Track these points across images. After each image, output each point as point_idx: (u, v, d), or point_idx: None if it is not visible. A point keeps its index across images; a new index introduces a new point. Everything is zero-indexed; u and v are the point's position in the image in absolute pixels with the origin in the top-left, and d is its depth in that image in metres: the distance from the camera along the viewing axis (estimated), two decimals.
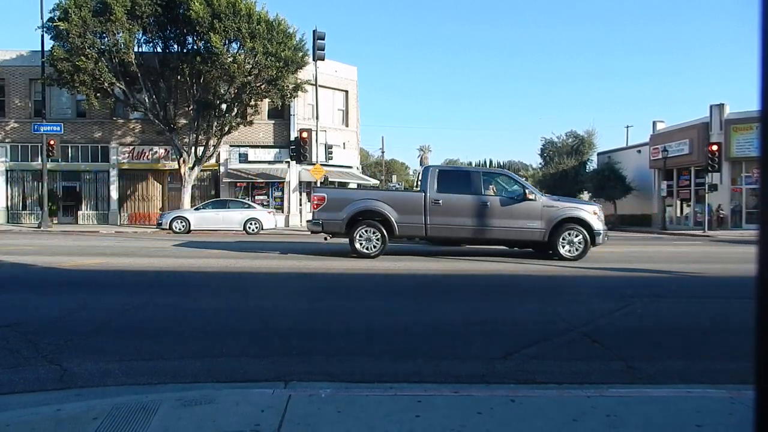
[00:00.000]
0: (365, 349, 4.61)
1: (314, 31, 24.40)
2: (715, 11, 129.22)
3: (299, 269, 10.07)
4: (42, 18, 23.77)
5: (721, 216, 29.26)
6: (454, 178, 12.11)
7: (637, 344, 4.83)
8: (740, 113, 28.84)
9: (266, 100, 27.22)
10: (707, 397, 3.31)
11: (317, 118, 26.22)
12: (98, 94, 24.91)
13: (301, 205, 29.86)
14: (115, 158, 29.35)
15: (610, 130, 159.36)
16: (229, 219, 22.68)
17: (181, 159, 26.07)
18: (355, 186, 33.58)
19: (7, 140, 29.19)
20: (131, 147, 29.38)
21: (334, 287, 8.35)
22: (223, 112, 25.97)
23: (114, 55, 23.92)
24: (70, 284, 7.95)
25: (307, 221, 12.69)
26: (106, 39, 23.81)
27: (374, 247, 11.61)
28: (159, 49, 25.60)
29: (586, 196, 38.64)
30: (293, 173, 29.18)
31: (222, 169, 29.25)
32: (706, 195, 27.68)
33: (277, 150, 29.31)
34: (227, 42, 23.61)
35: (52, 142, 24.99)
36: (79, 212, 29.82)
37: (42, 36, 24.04)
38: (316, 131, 25.37)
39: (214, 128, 26.11)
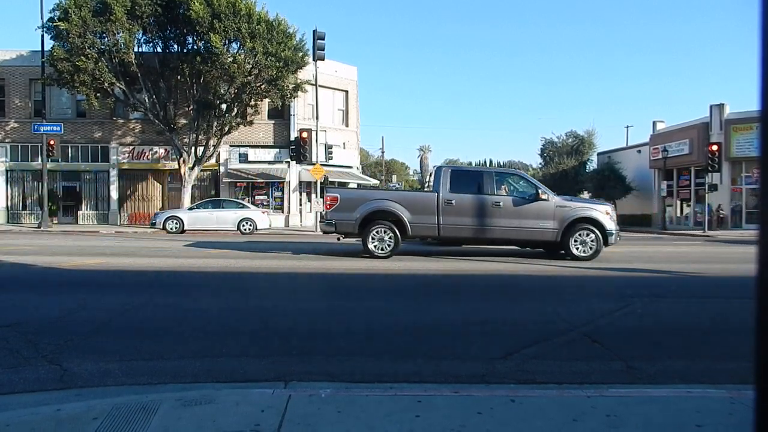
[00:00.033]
0: (365, 349, 4.61)
1: (314, 31, 24.39)
2: (715, 11, 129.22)
3: (299, 269, 10.07)
4: (42, 18, 23.79)
5: (721, 216, 29.25)
6: (467, 178, 12.12)
7: (637, 344, 4.83)
8: (740, 113, 28.83)
9: (266, 100, 27.20)
10: (707, 397, 3.31)
11: (317, 118, 26.21)
12: (98, 94, 24.90)
13: (300, 205, 29.85)
14: (115, 158, 29.34)
15: (610, 130, 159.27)
16: (223, 219, 22.62)
17: (181, 159, 26.07)
18: (355, 186, 33.66)
19: (7, 140, 29.18)
20: (131, 147, 29.37)
21: (335, 287, 8.35)
22: (223, 112, 25.96)
23: (114, 55, 23.91)
24: (70, 284, 7.95)
25: (320, 221, 12.70)
26: (106, 39, 23.79)
27: (387, 247, 11.63)
28: (159, 49, 25.59)
29: (586, 196, 38.64)
30: (293, 173, 29.18)
31: (222, 169, 29.24)
32: (706, 195, 27.68)
33: (277, 150, 29.30)
34: (227, 42, 23.61)
35: (52, 142, 24.99)
36: (79, 212, 29.82)
37: (42, 36, 24.05)
38: (316, 131, 25.36)
39: (214, 128, 26.11)
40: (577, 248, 11.58)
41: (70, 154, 29.20)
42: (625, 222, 35.35)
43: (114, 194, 29.53)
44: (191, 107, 26.23)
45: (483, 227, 11.67)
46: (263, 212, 23.64)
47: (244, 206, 23.79)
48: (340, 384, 3.59)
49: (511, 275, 9.58)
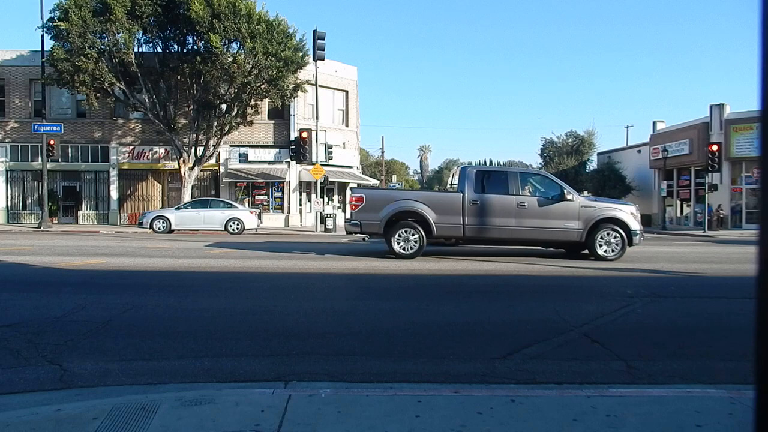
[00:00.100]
0: (365, 348, 4.61)
1: (314, 31, 24.39)
2: (715, 11, 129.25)
3: (299, 269, 10.07)
4: (42, 18, 23.79)
5: (721, 216, 29.26)
6: (492, 178, 12.07)
7: (637, 344, 4.83)
8: (740, 113, 28.85)
9: (266, 100, 27.21)
10: (707, 397, 3.31)
11: (317, 118, 26.21)
12: (98, 94, 24.91)
13: (300, 205, 29.86)
14: (115, 158, 29.34)
15: (610, 130, 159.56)
16: (210, 218, 22.48)
17: (181, 159, 26.07)
18: (355, 186, 33.67)
19: (7, 140, 29.19)
20: (131, 147, 29.37)
21: (335, 287, 8.35)
22: (223, 112, 25.97)
23: (114, 55, 23.92)
24: (70, 284, 7.95)
25: (345, 221, 12.68)
26: (106, 39, 23.80)
27: (412, 247, 11.62)
28: (159, 49, 25.59)
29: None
30: (293, 173, 29.18)
31: (222, 169, 29.25)
32: (706, 195, 27.68)
33: (277, 150, 29.31)
34: (227, 42, 23.61)
35: (52, 142, 24.99)
36: (79, 212, 29.82)
37: (42, 36, 24.05)
38: (316, 131, 25.36)
39: (214, 128, 26.11)
40: (602, 248, 11.59)
41: (70, 154, 29.21)
42: None
43: (114, 194, 29.54)
44: (191, 107, 26.24)
45: (508, 227, 11.64)
46: (251, 212, 23.44)
47: (231, 206, 23.57)
48: (340, 384, 3.59)
49: (511, 275, 9.57)
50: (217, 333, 5.04)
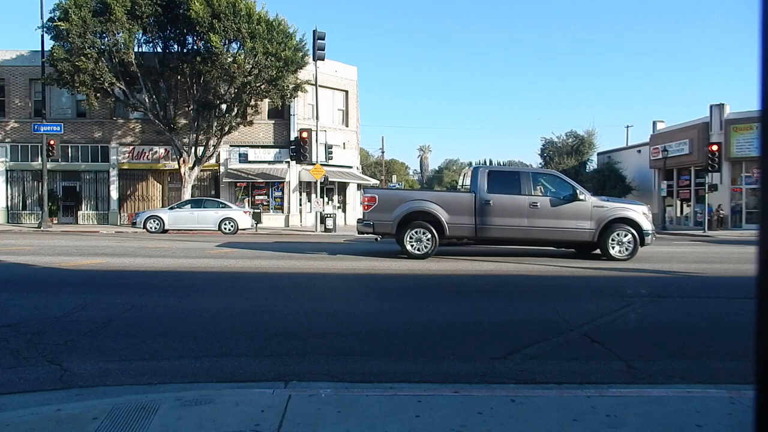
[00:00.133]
0: (365, 348, 4.61)
1: (314, 31, 24.39)
2: (715, 11, 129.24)
3: (299, 269, 10.07)
4: (42, 18, 23.78)
5: (721, 216, 29.26)
6: (504, 178, 12.07)
7: (637, 344, 4.83)
8: (740, 113, 28.85)
9: (266, 100, 27.21)
10: (707, 397, 3.31)
11: (317, 118, 26.21)
12: (98, 94, 24.90)
13: (300, 205, 29.85)
14: (115, 158, 29.34)
15: (610, 130, 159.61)
16: (204, 218, 22.42)
17: (181, 159, 26.07)
18: (355, 186, 33.66)
19: (7, 140, 29.19)
20: (131, 147, 29.37)
21: (335, 287, 8.35)
22: (223, 112, 25.97)
23: (114, 55, 23.92)
24: (70, 284, 7.95)
25: (357, 221, 12.67)
26: (106, 39, 23.79)
27: (425, 248, 11.62)
28: (159, 49, 25.58)
29: None
30: (293, 173, 29.18)
31: (222, 169, 29.25)
32: (706, 195, 27.68)
33: (277, 150, 29.31)
34: (227, 42, 23.61)
35: (52, 142, 24.98)
36: (79, 212, 29.82)
37: (42, 36, 24.04)
38: (316, 131, 25.36)
39: (214, 128, 26.11)
40: (614, 249, 11.60)
41: (70, 154, 29.21)
42: None
43: (114, 194, 29.54)
44: (191, 107, 26.24)
45: (520, 227, 11.64)
46: (245, 212, 23.36)
47: (225, 206, 23.48)
48: (340, 384, 3.59)
49: (511, 275, 9.57)
50: (217, 333, 5.04)
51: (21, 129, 28.89)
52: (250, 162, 29.18)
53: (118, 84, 24.43)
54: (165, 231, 21.92)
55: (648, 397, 3.28)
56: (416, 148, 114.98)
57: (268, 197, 29.77)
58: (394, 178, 67.30)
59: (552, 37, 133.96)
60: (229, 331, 5.10)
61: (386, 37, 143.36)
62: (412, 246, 11.63)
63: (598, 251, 12.06)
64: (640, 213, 11.87)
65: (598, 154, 43.78)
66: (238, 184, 29.52)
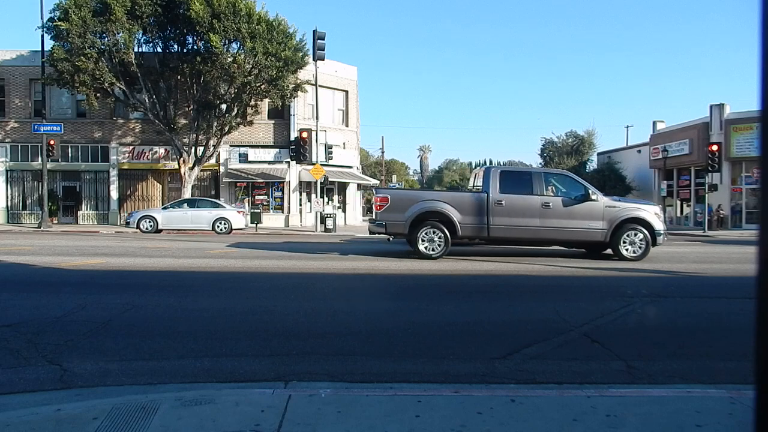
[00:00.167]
0: (365, 348, 4.61)
1: (314, 31, 24.39)
2: (715, 11, 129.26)
3: (299, 269, 10.07)
4: (42, 18, 23.77)
5: (721, 216, 29.26)
6: (517, 178, 12.09)
7: (637, 344, 4.83)
8: (740, 113, 28.85)
9: (266, 100, 27.20)
10: (707, 397, 3.31)
11: (317, 118, 26.21)
12: (98, 94, 24.89)
13: (300, 205, 29.85)
14: (115, 158, 29.34)
15: (610, 130, 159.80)
16: (198, 218, 22.34)
17: (181, 159, 26.07)
18: (355, 186, 33.66)
19: (7, 140, 29.19)
20: (131, 147, 29.37)
21: (335, 287, 8.35)
22: (223, 112, 25.97)
23: (114, 55, 23.91)
24: (70, 284, 7.95)
25: (369, 221, 12.66)
26: (106, 39, 23.78)
27: (437, 248, 11.61)
28: (159, 49, 25.58)
29: None
30: (293, 173, 29.18)
31: (222, 169, 29.25)
32: (706, 195, 27.69)
33: (277, 150, 29.31)
34: (227, 42, 23.61)
35: (52, 142, 24.98)
36: (79, 212, 29.82)
37: (42, 36, 24.03)
38: (316, 131, 25.36)
39: (214, 128, 26.11)
40: (626, 249, 11.61)
41: (70, 154, 29.21)
42: None
43: (114, 194, 29.54)
44: (191, 107, 26.23)
45: (532, 228, 11.64)
46: (239, 212, 23.25)
47: (219, 205, 23.40)
48: (340, 384, 3.59)
49: (511, 275, 9.57)
50: (217, 333, 5.04)
51: (21, 129, 28.89)
52: (250, 162, 29.17)
53: (118, 84, 24.43)
54: (158, 231, 21.89)
55: (648, 397, 3.28)
56: (416, 148, 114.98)
57: (268, 197, 29.77)
58: (394, 178, 67.27)
59: (552, 37, 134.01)
60: (229, 331, 5.10)
61: (386, 37, 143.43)
62: (423, 246, 11.62)
63: (608, 251, 12.04)
64: (652, 213, 11.90)
65: (598, 154, 43.81)
66: (238, 184, 29.52)
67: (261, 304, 6.55)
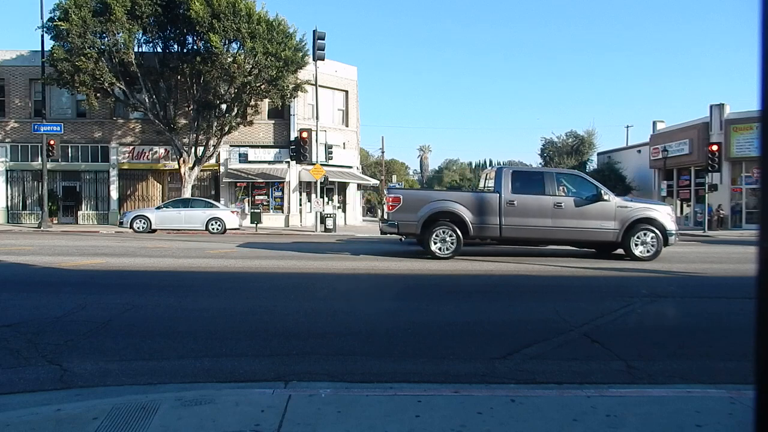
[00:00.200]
0: (365, 348, 4.61)
1: (314, 31, 24.38)
2: (715, 11, 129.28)
3: (299, 269, 10.06)
4: (42, 18, 23.77)
5: (721, 216, 29.26)
6: (528, 178, 12.09)
7: (637, 344, 4.83)
8: (740, 113, 28.85)
9: (266, 100, 27.20)
10: (707, 397, 3.31)
11: (317, 118, 26.21)
12: (98, 94, 24.89)
13: (300, 205, 29.85)
14: (115, 158, 29.34)
15: (610, 130, 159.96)
16: (191, 218, 22.30)
17: (181, 159, 26.06)
18: (355, 186, 33.66)
19: (7, 140, 29.18)
20: (131, 147, 29.37)
21: (335, 287, 8.35)
22: (223, 112, 25.96)
23: (114, 55, 23.91)
24: (70, 284, 7.95)
25: (381, 221, 12.62)
26: (106, 39, 23.78)
27: (449, 248, 11.59)
28: (159, 49, 25.57)
29: None
30: (293, 173, 29.18)
31: (222, 169, 29.24)
32: (706, 195, 27.68)
33: (277, 150, 29.30)
34: (227, 42, 23.60)
35: (52, 142, 24.97)
36: (79, 212, 29.82)
37: (42, 36, 24.03)
38: (316, 131, 25.35)
39: (214, 128, 26.10)
40: (638, 249, 11.61)
41: (70, 154, 29.20)
42: None
43: (114, 194, 29.53)
44: (191, 107, 26.23)
45: (545, 228, 11.63)
46: (233, 212, 23.20)
47: (212, 205, 23.37)
48: (340, 384, 3.59)
49: (511, 275, 9.57)
50: (217, 333, 5.03)
51: (21, 129, 28.89)
52: (250, 162, 29.17)
53: (118, 84, 24.42)
54: (152, 231, 21.88)
55: (648, 397, 3.28)
56: (416, 148, 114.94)
57: (268, 197, 29.77)
58: (394, 178, 67.26)
59: (552, 37, 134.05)
60: (229, 331, 5.10)
61: (386, 37, 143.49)
62: (436, 246, 11.60)
63: (618, 251, 12.03)
64: (665, 213, 11.92)
65: (598, 154, 43.81)
66: (238, 184, 29.51)
67: (261, 304, 6.55)
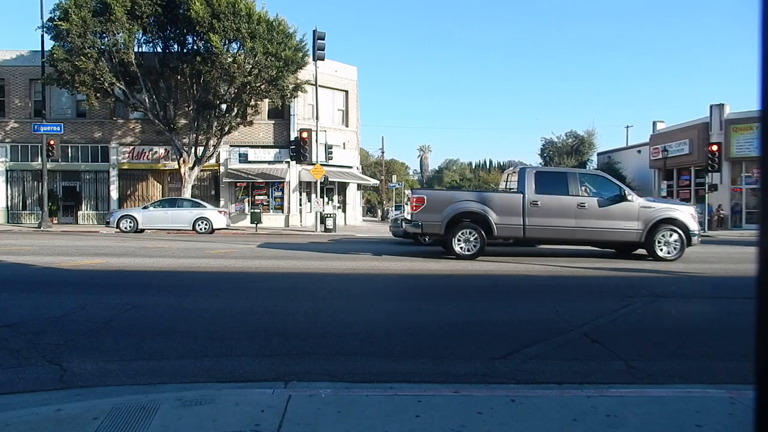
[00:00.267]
0: (365, 348, 4.61)
1: (314, 31, 24.39)
2: (715, 11, 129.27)
3: (299, 269, 10.06)
4: (42, 18, 23.78)
5: (721, 216, 29.27)
6: (552, 179, 12.05)
7: (637, 344, 4.82)
8: (740, 113, 28.86)
9: (266, 100, 27.21)
10: (707, 397, 3.31)
11: (317, 118, 26.21)
12: (98, 94, 24.90)
13: (300, 205, 29.85)
14: (115, 158, 29.34)
15: (610, 130, 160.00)
16: (178, 217, 22.26)
17: (181, 159, 26.06)
18: (355, 186, 33.65)
19: (7, 140, 29.19)
20: (131, 147, 29.37)
21: (335, 287, 8.34)
22: (223, 112, 25.97)
23: (114, 55, 23.91)
24: (70, 284, 7.94)
25: (405, 221, 12.60)
26: (106, 39, 23.79)
27: (473, 248, 11.58)
28: (159, 49, 25.58)
29: None
30: (293, 173, 29.18)
31: (222, 169, 29.25)
32: (706, 195, 27.69)
33: (277, 150, 29.31)
34: (227, 42, 23.61)
35: (52, 142, 24.98)
36: (79, 212, 29.82)
37: (42, 36, 24.04)
38: (316, 131, 25.36)
39: (214, 128, 26.11)
40: (662, 249, 11.62)
41: (70, 154, 29.21)
42: None
43: (114, 194, 29.53)
44: (191, 107, 26.23)
45: (568, 228, 11.62)
46: (220, 212, 23.17)
47: (200, 205, 23.29)
48: (340, 384, 3.59)
49: (511, 275, 9.57)
50: (217, 333, 5.03)
51: (21, 129, 28.89)
52: (250, 162, 29.18)
53: (118, 84, 24.43)
54: (139, 231, 21.88)
55: (648, 397, 3.28)
56: (416, 148, 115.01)
57: (268, 197, 29.77)
58: (394, 178, 67.25)
59: (552, 37, 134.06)
60: (229, 331, 5.10)
61: (386, 37, 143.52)
62: (459, 246, 11.59)
63: (646, 252, 12.02)
64: (688, 214, 11.93)
65: (598, 154, 43.83)
66: (238, 184, 29.52)
67: (261, 304, 6.55)
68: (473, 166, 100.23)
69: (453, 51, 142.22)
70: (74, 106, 29.47)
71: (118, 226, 21.93)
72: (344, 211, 32.36)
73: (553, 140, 46.11)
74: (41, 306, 6.15)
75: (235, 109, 25.90)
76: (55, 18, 23.47)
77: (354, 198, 34.07)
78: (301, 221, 29.43)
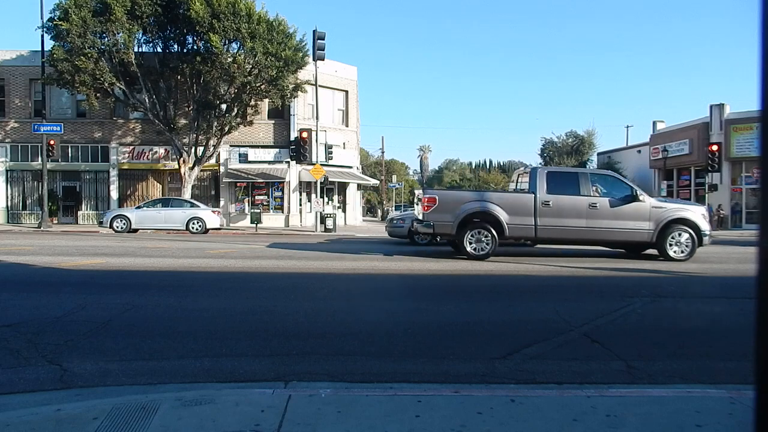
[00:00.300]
0: (365, 348, 4.61)
1: (314, 31, 24.39)
2: (715, 11, 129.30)
3: (299, 269, 10.06)
4: (42, 18, 23.77)
5: (721, 216, 29.27)
6: (563, 179, 12.04)
7: (637, 344, 4.82)
8: (740, 113, 28.86)
9: (266, 100, 27.21)
10: (707, 397, 3.31)
11: (317, 118, 26.21)
12: (98, 94, 24.90)
13: (300, 205, 29.85)
14: (115, 158, 29.34)
15: (610, 130, 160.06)
16: (171, 217, 22.22)
17: (181, 159, 26.06)
18: (355, 186, 33.65)
19: (7, 140, 29.18)
20: (131, 147, 29.37)
21: (335, 287, 8.34)
22: (223, 112, 25.96)
23: (114, 55, 23.91)
24: (70, 284, 7.94)
25: (417, 222, 12.57)
26: (106, 39, 23.79)
27: (484, 248, 11.57)
28: (159, 49, 25.58)
29: None
30: (293, 173, 29.18)
31: (222, 169, 29.24)
32: (706, 195, 27.71)
33: (277, 150, 29.30)
34: (227, 42, 23.60)
35: (52, 142, 24.97)
36: (79, 212, 29.82)
37: (42, 36, 24.03)
38: (316, 131, 25.35)
39: (214, 128, 26.10)
40: (673, 249, 11.65)
41: (70, 154, 29.20)
42: None
43: (114, 194, 29.53)
44: (191, 107, 26.23)
45: (579, 228, 11.62)
46: (214, 212, 23.14)
47: (193, 205, 23.25)
48: (340, 384, 3.59)
49: (511, 275, 9.57)
50: (217, 333, 5.03)
51: (21, 129, 28.89)
52: (250, 162, 29.17)
53: (118, 84, 24.43)
54: (133, 231, 21.87)
55: (648, 397, 3.28)
56: (416, 148, 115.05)
57: (268, 197, 29.77)
58: (394, 178, 67.28)
59: (552, 37, 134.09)
60: (229, 331, 5.10)
61: (386, 37, 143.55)
62: (471, 246, 11.58)
63: (657, 252, 12.02)
64: (699, 214, 12.01)
65: (598, 154, 43.83)
66: (238, 184, 29.51)
67: (261, 304, 6.55)
68: (473, 166, 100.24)
69: (453, 51, 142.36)
70: (74, 106, 29.47)
71: (111, 226, 21.93)
72: (344, 211, 32.36)
73: (553, 140, 46.15)
74: (41, 306, 6.15)
75: (235, 109, 25.90)
76: (55, 18, 23.47)
77: (354, 198, 34.07)
78: (301, 221, 29.43)
